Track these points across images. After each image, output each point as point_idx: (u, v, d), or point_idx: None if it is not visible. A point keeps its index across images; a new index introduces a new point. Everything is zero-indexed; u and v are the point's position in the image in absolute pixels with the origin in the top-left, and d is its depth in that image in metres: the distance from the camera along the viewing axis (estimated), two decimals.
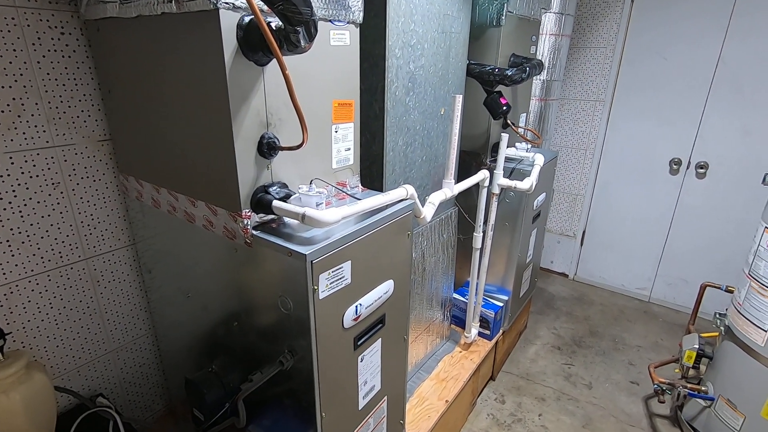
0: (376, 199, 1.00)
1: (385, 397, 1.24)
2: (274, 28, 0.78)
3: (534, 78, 2.43)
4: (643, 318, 2.98)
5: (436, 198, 1.36)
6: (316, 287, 0.86)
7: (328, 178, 1.10)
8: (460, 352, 2.04)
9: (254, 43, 0.81)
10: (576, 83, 3.03)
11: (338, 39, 1.02)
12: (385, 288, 1.08)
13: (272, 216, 0.96)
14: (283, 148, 0.91)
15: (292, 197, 0.93)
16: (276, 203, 0.90)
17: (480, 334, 2.14)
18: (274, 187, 0.94)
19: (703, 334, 2.08)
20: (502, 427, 2.04)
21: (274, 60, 0.83)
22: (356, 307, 0.99)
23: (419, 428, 1.61)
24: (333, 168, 1.11)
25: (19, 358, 1.02)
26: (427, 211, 1.28)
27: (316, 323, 0.89)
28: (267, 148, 0.90)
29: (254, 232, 0.92)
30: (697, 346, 1.98)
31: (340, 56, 1.03)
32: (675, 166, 2.83)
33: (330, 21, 0.98)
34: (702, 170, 2.75)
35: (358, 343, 1.04)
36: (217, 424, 1.11)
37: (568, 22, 2.45)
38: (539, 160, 1.89)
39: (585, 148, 3.13)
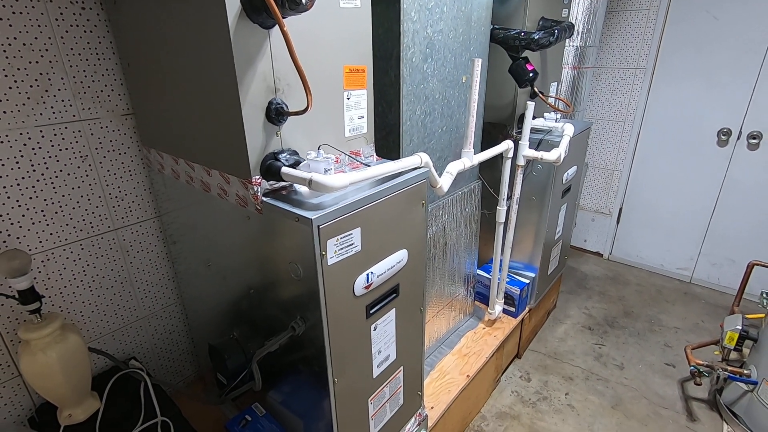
0: (387, 166, 0.98)
1: (401, 368, 1.24)
2: None
3: (566, 44, 2.30)
4: (683, 299, 2.83)
5: (454, 168, 1.32)
6: (324, 253, 0.86)
7: (342, 147, 1.08)
8: (484, 328, 2.01)
9: (257, 5, 0.79)
10: (614, 49, 2.84)
11: (348, 1, 0.98)
12: (399, 257, 1.07)
13: (283, 183, 0.96)
14: (290, 113, 0.90)
15: (301, 164, 0.93)
16: (284, 169, 0.89)
17: (505, 311, 2.11)
18: (284, 154, 0.93)
19: (747, 316, 1.95)
20: (527, 404, 2.02)
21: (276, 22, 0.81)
22: (367, 275, 0.98)
23: (439, 401, 1.61)
24: (346, 136, 1.10)
25: (54, 319, 1.09)
26: (444, 181, 1.25)
27: (325, 289, 0.89)
28: (275, 114, 0.89)
29: (264, 198, 0.92)
30: (740, 328, 1.86)
31: (350, 19, 1.00)
32: (724, 137, 2.62)
33: None
34: (755, 140, 2.53)
35: (371, 311, 1.04)
36: (238, 388, 1.15)
37: None
38: (569, 130, 1.80)
39: (623, 119, 2.95)
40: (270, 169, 0.91)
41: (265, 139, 0.91)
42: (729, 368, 1.83)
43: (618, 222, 3.19)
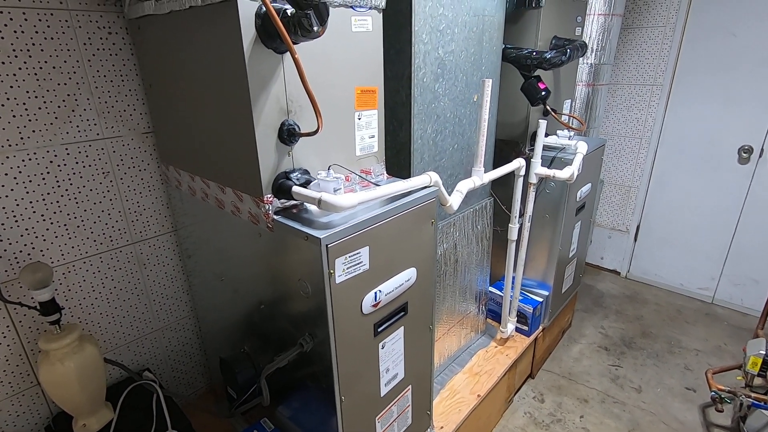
0: (396, 186, 0.99)
1: (410, 386, 1.24)
2: (290, 15, 0.79)
3: (580, 61, 2.30)
4: (704, 320, 2.74)
5: (464, 186, 1.33)
6: (332, 271, 0.87)
7: (352, 166, 1.10)
8: (496, 347, 1.98)
9: (272, 31, 0.82)
10: (629, 66, 2.82)
11: (360, 25, 1.01)
12: (407, 276, 1.07)
13: (294, 202, 0.98)
14: (302, 134, 0.92)
15: (311, 183, 0.95)
16: (295, 188, 0.91)
17: (518, 329, 2.07)
18: (296, 173, 0.96)
19: None
20: (540, 426, 1.97)
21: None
22: (375, 293, 0.99)
23: (449, 421, 1.59)
24: (357, 155, 1.12)
25: (73, 330, 1.12)
26: (454, 200, 1.26)
27: (333, 307, 0.90)
28: (287, 135, 0.92)
29: (275, 217, 0.94)
30: (764, 352, 1.79)
31: (362, 43, 1.03)
32: (745, 155, 2.57)
33: (351, 7, 0.98)
34: None
35: (379, 330, 1.04)
36: (248, 402, 1.16)
37: (619, 0, 2.28)
38: (582, 148, 1.79)
39: (640, 136, 2.91)
40: (281, 187, 0.94)
41: (277, 159, 0.94)
42: (753, 395, 1.76)
43: (636, 239, 3.13)
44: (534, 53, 1.63)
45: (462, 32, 1.38)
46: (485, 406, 1.78)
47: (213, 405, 1.64)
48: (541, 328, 2.13)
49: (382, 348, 1.08)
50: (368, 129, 1.12)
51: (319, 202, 0.85)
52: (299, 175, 0.96)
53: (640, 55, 2.77)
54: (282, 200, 0.97)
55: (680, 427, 1.96)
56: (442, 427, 1.55)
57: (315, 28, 0.77)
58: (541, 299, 2.06)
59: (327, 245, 0.84)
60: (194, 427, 1.28)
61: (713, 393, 1.81)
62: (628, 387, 2.20)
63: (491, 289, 2.09)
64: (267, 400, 1.08)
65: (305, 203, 1.00)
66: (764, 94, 2.44)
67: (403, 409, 1.24)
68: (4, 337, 1.15)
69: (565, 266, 2.15)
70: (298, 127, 0.94)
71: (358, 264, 0.93)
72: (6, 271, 1.13)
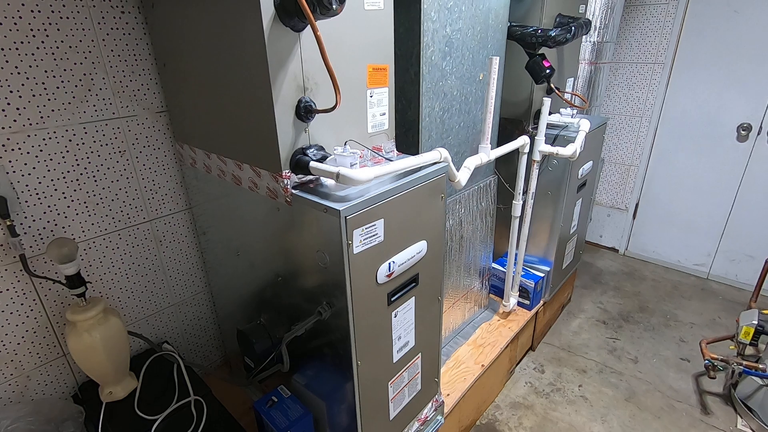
0: (409, 161, 1.03)
1: (419, 354, 1.30)
2: None
3: (583, 39, 2.30)
4: (699, 295, 2.82)
5: (471, 162, 1.36)
6: (350, 242, 0.91)
7: (364, 143, 1.14)
8: (498, 320, 2.05)
9: (290, 9, 0.84)
10: (632, 44, 2.83)
11: (372, 3, 1.03)
12: (418, 248, 1.12)
13: (310, 176, 1.02)
14: (318, 111, 0.96)
15: (328, 158, 0.98)
16: (313, 164, 0.95)
17: (520, 304, 2.14)
18: (312, 149, 0.99)
19: (764, 311, 1.95)
20: (540, 395, 2.06)
21: (309, 26, 0.86)
22: (389, 264, 1.04)
23: (455, 389, 1.67)
24: (368, 132, 1.15)
25: (97, 303, 1.17)
26: (462, 176, 1.29)
27: (351, 277, 0.94)
28: (304, 112, 0.95)
29: (294, 191, 0.98)
30: (756, 322, 1.86)
31: (374, 21, 1.05)
32: (744, 132, 2.60)
33: None
34: None
35: (392, 299, 1.09)
36: (265, 370, 1.22)
37: None
38: (585, 125, 1.82)
39: (640, 114, 2.93)
40: (299, 163, 0.97)
41: (294, 136, 0.97)
42: (744, 363, 1.84)
43: (634, 217, 3.19)
44: (539, 31, 1.64)
45: (469, 10, 1.39)
46: (488, 375, 1.86)
47: (229, 376, 1.71)
48: (542, 302, 2.20)
49: (395, 317, 1.13)
50: (379, 106, 1.15)
51: (337, 176, 0.89)
52: (315, 151, 0.99)
53: (643, 33, 2.77)
54: (299, 175, 1.00)
55: (674, 394, 2.05)
56: (448, 394, 1.63)
57: (334, 6, 0.79)
58: (542, 274, 2.12)
59: (346, 217, 0.88)
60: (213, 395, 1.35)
61: (707, 361, 1.89)
62: (625, 358, 2.29)
63: (494, 265, 2.15)
64: (287, 366, 1.14)
65: (321, 178, 1.03)
66: (764, 71, 2.45)
67: (414, 375, 1.31)
68: (32, 310, 1.20)
69: (566, 243, 2.20)
70: (315, 104, 0.97)
71: (373, 236, 0.97)
72: (31, 246, 1.17)
